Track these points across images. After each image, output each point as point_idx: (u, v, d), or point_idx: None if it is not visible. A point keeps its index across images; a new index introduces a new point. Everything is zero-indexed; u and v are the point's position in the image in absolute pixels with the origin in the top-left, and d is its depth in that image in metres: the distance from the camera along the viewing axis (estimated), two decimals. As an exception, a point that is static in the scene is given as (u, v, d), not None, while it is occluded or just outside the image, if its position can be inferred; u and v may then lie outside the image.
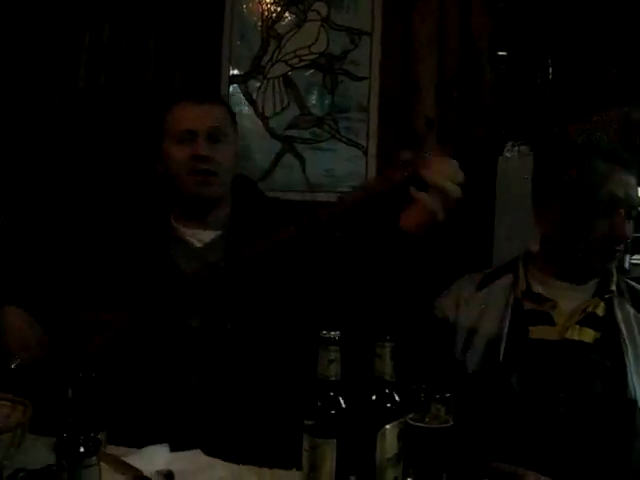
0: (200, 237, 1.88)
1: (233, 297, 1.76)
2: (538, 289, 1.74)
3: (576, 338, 1.66)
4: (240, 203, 1.93)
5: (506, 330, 1.69)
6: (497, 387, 1.64)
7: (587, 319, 1.68)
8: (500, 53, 2.66)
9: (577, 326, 1.67)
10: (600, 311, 1.69)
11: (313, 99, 2.74)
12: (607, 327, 1.66)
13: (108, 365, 1.61)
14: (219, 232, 1.88)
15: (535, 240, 1.83)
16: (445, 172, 1.37)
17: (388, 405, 1.28)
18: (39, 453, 1.45)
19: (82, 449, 0.84)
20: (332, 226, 1.58)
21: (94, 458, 0.85)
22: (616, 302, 1.71)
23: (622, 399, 1.59)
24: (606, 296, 1.71)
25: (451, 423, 1.29)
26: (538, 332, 1.69)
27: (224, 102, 2.03)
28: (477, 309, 1.77)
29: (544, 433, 1.59)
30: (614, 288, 1.72)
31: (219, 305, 1.76)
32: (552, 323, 1.69)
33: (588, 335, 1.66)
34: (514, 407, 1.62)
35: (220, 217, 1.90)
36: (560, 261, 1.74)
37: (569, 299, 1.72)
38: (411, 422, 1.29)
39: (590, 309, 1.69)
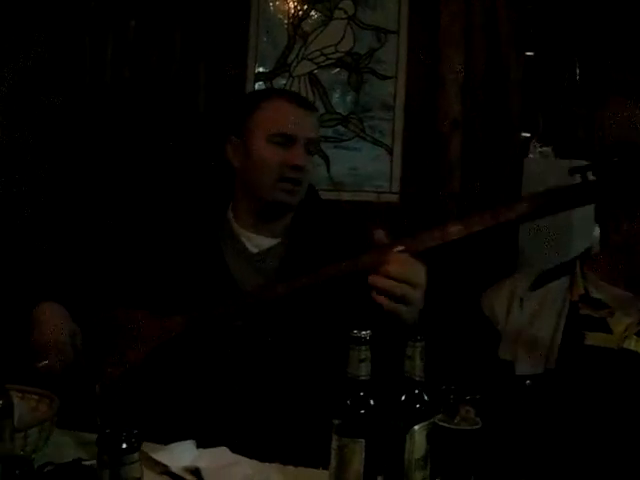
0: (257, 242, 1.81)
1: (278, 313, 1.72)
2: (596, 294, 1.71)
3: (633, 349, 1.63)
4: (301, 211, 1.85)
5: (561, 334, 1.67)
6: (547, 391, 1.62)
7: None
8: (527, 53, 2.65)
9: (635, 337, 1.64)
10: None
11: (338, 97, 2.73)
12: None
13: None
14: (277, 240, 1.82)
15: (594, 243, 1.80)
16: (399, 274, 1.40)
17: (417, 406, 1.27)
18: (66, 447, 1.46)
19: (124, 445, 0.83)
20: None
21: (136, 454, 0.85)
22: None
23: None
24: None
25: (480, 425, 1.29)
26: (594, 339, 1.65)
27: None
28: (531, 309, 1.73)
29: (592, 441, 1.57)
30: None
31: (263, 319, 1.72)
32: (609, 331, 1.66)
33: None
34: (563, 412, 1.60)
35: (282, 226, 1.83)
36: (625, 269, 1.70)
37: (628, 307, 1.67)
38: (440, 423, 1.29)
39: None
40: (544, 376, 1.64)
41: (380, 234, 1.47)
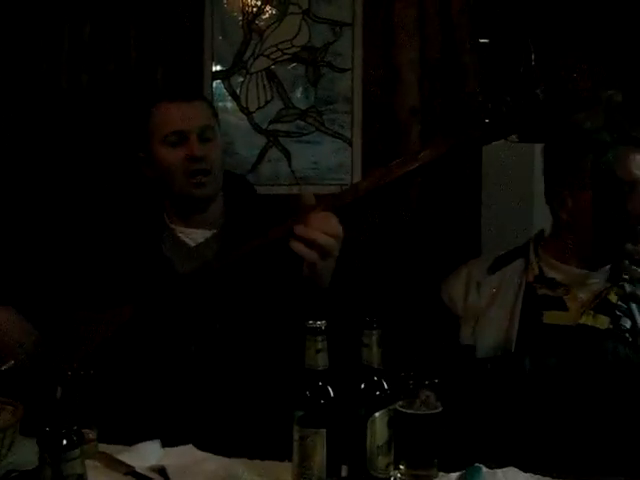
0: (193, 237, 1.87)
1: (222, 296, 1.75)
2: (551, 274, 1.73)
3: (590, 324, 1.65)
4: (233, 201, 1.91)
5: (519, 315, 1.69)
6: (508, 372, 1.64)
7: (601, 305, 1.67)
8: (482, 40, 2.66)
9: (591, 312, 1.66)
10: (613, 298, 1.69)
11: (297, 92, 2.73)
12: (620, 314, 1.66)
13: (99, 363, 1.62)
14: (213, 231, 1.87)
15: (544, 226, 1.84)
16: (318, 226, 1.50)
17: (377, 393, 1.28)
18: (31, 454, 1.45)
19: (65, 442, 0.83)
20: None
21: (77, 451, 0.84)
22: (628, 289, 1.70)
23: (635, 387, 1.59)
24: (620, 283, 1.70)
25: (440, 409, 1.30)
26: (552, 317, 1.68)
27: (206, 98, 2.02)
28: (489, 293, 1.76)
29: (554, 419, 1.59)
30: (627, 275, 1.72)
31: (209, 305, 1.76)
32: (565, 308, 1.69)
33: (602, 322, 1.65)
34: (525, 392, 1.62)
35: (213, 216, 1.88)
36: (575, 247, 1.73)
37: (582, 284, 1.71)
38: (400, 409, 1.30)
39: (604, 295, 1.68)
40: (504, 357, 1.66)
41: (307, 197, 1.56)
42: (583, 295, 1.69)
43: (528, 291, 1.73)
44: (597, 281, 1.71)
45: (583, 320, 1.66)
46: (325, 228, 1.50)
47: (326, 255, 1.51)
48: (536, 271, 1.74)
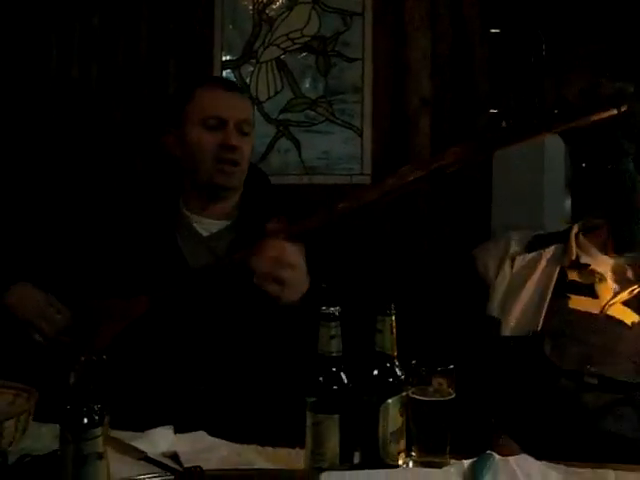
0: (207, 226, 1.87)
1: (236, 285, 1.75)
2: (587, 260, 1.71)
3: (617, 316, 1.64)
4: (249, 193, 1.92)
5: (549, 298, 1.68)
6: (530, 353, 1.64)
7: (632, 301, 1.65)
8: (493, 31, 2.66)
9: (620, 305, 1.65)
10: None
11: (307, 82, 2.73)
12: None
13: (112, 349, 1.62)
14: (226, 222, 1.87)
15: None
16: (271, 258, 1.52)
17: (390, 379, 1.28)
18: (44, 439, 1.46)
19: (86, 420, 0.84)
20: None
21: (98, 429, 0.85)
22: None
23: None
24: None
25: (453, 396, 1.30)
26: (580, 303, 1.67)
27: (249, 96, 2.05)
28: (522, 270, 1.74)
29: (571, 404, 1.59)
30: None
31: (222, 293, 1.76)
32: (594, 296, 1.68)
33: (629, 316, 1.63)
34: (543, 375, 1.61)
35: (229, 207, 1.88)
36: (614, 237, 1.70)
37: (617, 275, 1.70)
38: (413, 396, 1.30)
39: (636, 291, 1.66)
40: (528, 338, 1.65)
41: (272, 223, 1.56)
42: (617, 287, 1.68)
43: (561, 275, 1.71)
44: (631, 274, 1.68)
45: (611, 311, 1.64)
46: (280, 258, 1.52)
47: (284, 284, 1.53)
48: (572, 256, 1.72)
